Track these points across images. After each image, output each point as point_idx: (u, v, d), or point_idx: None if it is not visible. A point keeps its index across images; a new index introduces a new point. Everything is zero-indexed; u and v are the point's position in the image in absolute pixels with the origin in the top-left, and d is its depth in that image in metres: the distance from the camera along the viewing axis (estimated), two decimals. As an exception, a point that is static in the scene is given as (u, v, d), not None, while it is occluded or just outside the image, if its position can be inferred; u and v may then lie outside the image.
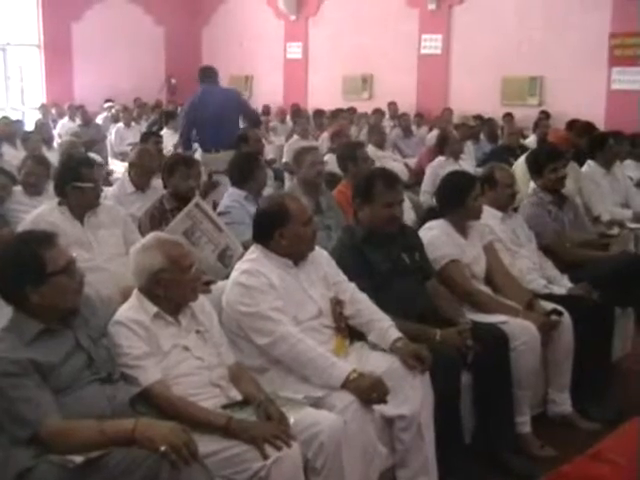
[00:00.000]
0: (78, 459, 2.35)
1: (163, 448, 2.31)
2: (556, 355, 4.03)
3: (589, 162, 6.45)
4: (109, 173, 8.09)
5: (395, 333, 3.31)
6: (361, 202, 3.76)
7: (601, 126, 9.91)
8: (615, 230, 5.83)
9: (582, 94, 11.55)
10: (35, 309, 2.60)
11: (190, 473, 2.34)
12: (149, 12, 17.84)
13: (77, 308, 2.73)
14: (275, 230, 3.23)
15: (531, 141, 9.42)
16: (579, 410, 4.10)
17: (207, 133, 7.41)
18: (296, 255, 3.29)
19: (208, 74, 7.77)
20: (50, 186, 5.41)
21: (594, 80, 11.60)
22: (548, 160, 4.94)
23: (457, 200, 4.11)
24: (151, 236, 3.05)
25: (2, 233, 4.66)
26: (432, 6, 13.79)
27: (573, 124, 8.90)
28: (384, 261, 3.68)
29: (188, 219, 4.03)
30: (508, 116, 11.70)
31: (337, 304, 3.35)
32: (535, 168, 5.02)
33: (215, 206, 4.99)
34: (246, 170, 5.03)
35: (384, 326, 3.34)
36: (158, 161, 5.73)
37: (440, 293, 3.89)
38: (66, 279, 2.63)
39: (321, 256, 3.45)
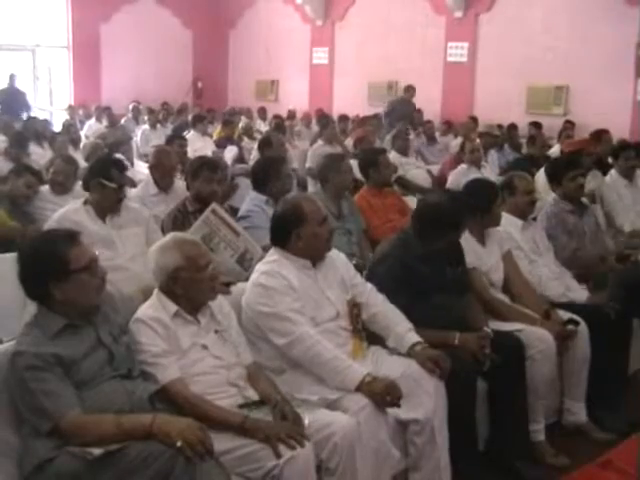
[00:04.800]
0: (97, 451, 2.41)
1: (179, 443, 2.37)
2: (572, 365, 4.02)
3: (611, 172, 6.42)
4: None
5: (413, 337, 3.34)
6: (438, 235, 3.70)
7: (626, 137, 9.86)
8: (636, 241, 5.79)
9: (608, 104, 11.46)
10: (58, 305, 2.66)
11: (205, 469, 2.39)
12: (177, 15, 18.01)
13: (98, 305, 2.78)
14: (292, 231, 3.28)
15: (555, 151, 9.32)
16: (594, 420, 4.10)
17: (7, 111, 13.34)
18: (314, 255, 3.34)
19: (12, 76, 14.72)
20: (77, 186, 5.51)
21: (620, 90, 11.52)
22: (567, 168, 4.92)
23: (484, 207, 4.12)
24: (169, 236, 3.12)
25: (29, 231, 4.75)
26: (459, 14, 13.79)
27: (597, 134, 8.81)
28: (430, 276, 3.67)
29: (205, 226, 4.03)
30: (537, 127, 11.22)
31: (354, 306, 3.39)
32: (554, 177, 5.00)
33: (234, 210, 5.02)
34: (267, 174, 5.03)
35: (401, 330, 3.36)
36: (178, 161, 5.80)
37: (470, 303, 3.88)
38: (88, 277, 2.69)
39: (338, 258, 3.49)
